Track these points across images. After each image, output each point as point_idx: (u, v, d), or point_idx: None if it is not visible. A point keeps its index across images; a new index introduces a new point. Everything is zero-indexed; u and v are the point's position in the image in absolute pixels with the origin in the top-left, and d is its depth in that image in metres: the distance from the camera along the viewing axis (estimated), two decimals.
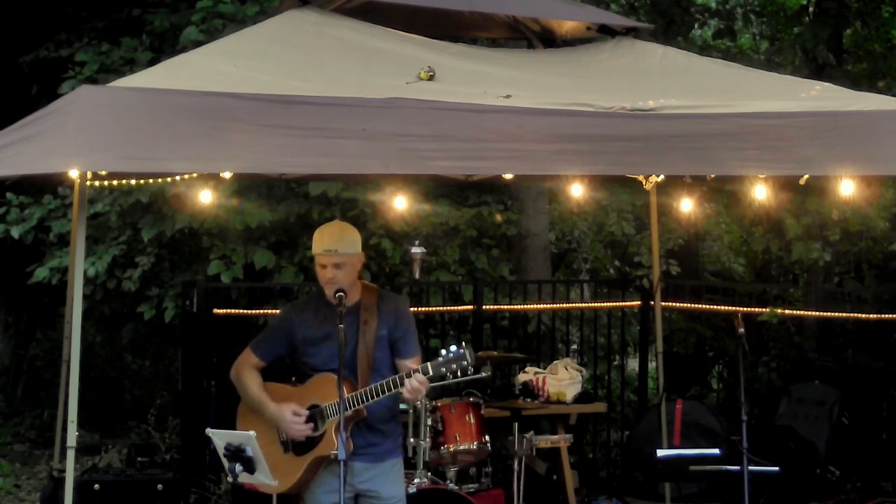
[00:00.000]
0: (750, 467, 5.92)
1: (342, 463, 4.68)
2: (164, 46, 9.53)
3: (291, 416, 5.02)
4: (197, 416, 7.79)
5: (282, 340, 5.21)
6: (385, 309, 5.11)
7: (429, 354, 8.59)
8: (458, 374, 4.91)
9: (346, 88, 4.60)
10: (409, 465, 6.31)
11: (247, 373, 5.19)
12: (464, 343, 4.90)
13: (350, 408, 4.87)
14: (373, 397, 4.89)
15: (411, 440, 6.38)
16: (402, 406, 5.49)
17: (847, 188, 5.06)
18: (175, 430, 9.40)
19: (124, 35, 9.73)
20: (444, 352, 4.85)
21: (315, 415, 5.02)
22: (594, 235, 11.35)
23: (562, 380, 7.86)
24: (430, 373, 4.84)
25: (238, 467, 4.68)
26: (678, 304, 9.74)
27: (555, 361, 8.26)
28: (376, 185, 8.52)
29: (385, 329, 5.09)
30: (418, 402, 6.17)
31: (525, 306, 9.29)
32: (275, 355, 5.26)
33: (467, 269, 9.61)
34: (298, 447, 5.06)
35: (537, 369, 8.12)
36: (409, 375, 4.84)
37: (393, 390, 4.87)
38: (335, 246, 5.01)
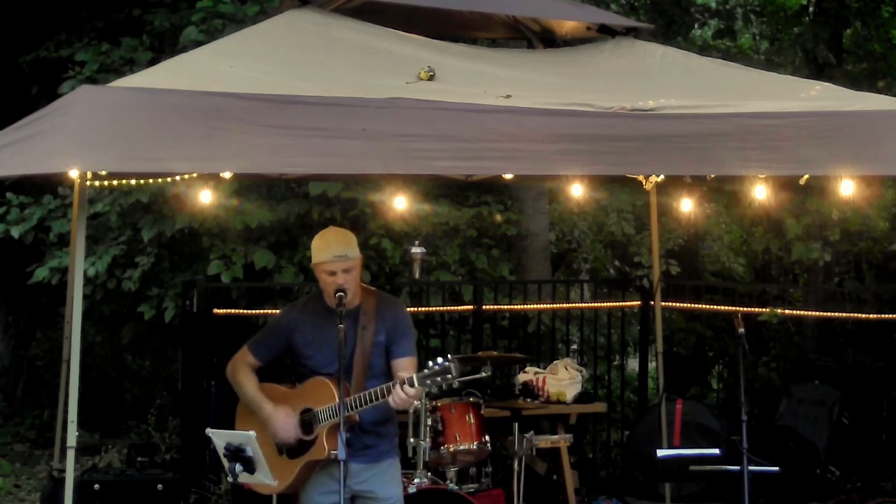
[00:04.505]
0: (750, 467, 5.91)
1: (342, 463, 4.69)
2: (164, 46, 9.53)
3: (284, 417, 5.03)
4: (197, 416, 7.79)
5: (279, 342, 5.20)
6: (384, 314, 5.11)
7: (428, 355, 8.60)
8: (444, 386, 4.93)
9: (346, 88, 4.60)
10: (409, 465, 6.31)
11: (243, 372, 5.19)
12: (449, 356, 4.88)
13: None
14: (364, 404, 4.90)
15: (411, 440, 6.38)
16: None
17: (847, 188, 5.07)
18: (175, 430, 9.40)
19: (124, 35, 9.72)
20: (430, 363, 4.84)
21: (308, 419, 5.03)
22: (594, 235, 11.35)
23: (562, 380, 7.86)
24: (416, 385, 4.82)
25: (238, 467, 4.68)
26: (678, 304, 9.74)
27: (555, 361, 8.26)
28: (376, 185, 8.51)
29: (383, 334, 5.08)
30: (416, 403, 6.15)
31: (525, 306, 9.29)
32: (272, 356, 5.25)
33: (467, 269, 9.61)
34: (291, 450, 5.07)
35: (537, 369, 8.12)
36: (396, 385, 4.83)
37: (383, 398, 4.87)
38: (345, 251, 4.98)
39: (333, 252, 4.97)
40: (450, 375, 4.80)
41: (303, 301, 5.61)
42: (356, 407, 4.90)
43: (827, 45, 11.01)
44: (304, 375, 5.13)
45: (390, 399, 4.82)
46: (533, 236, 10.11)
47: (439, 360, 4.83)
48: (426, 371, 4.82)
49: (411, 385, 4.81)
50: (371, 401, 4.88)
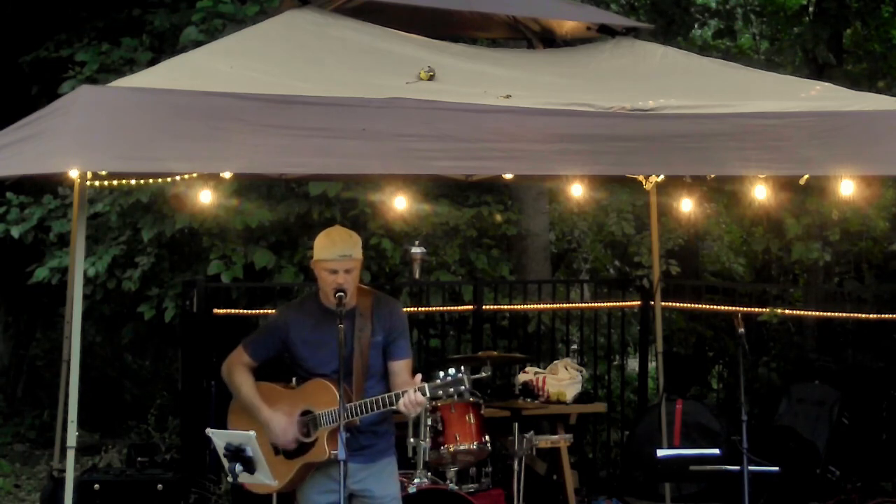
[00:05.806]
0: (750, 467, 5.91)
1: (342, 463, 4.69)
2: (164, 46, 9.53)
3: (284, 423, 5.04)
4: (197, 416, 7.78)
5: (275, 342, 5.19)
6: (380, 314, 5.10)
7: (428, 355, 8.56)
8: (455, 397, 4.93)
9: (346, 88, 4.60)
10: (409, 465, 6.31)
11: (239, 372, 5.18)
12: (462, 368, 4.90)
13: (345, 417, 4.86)
14: (369, 411, 4.90)
15: (411, 440, 6.39)
16: None
17: (847, 188, 5.07)
18: (175, 430, 9.40)
19: (124, 35, 9.72)
20: (442, 374, 4.86)
21: (307, 421, 5.03)
22: (594, 235, 11.35)
23: (562, 380, 7.86)
24: (427, 394, 4.84)
25: (238, 467, 4.68)
26: (678, 304, 9.74)
27: (555, 361, 8.26)
28: (376, 185, 8.52)
29: (380, 335, 5.08)
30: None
31: (525, 306, 9.29)
32: (267, 356, 5.24)
33: (467, 269, 9.61)
34: (289, 451, 5.07)
35: (537, 369, 8.11)
36: (410, 389, 4.85)
37: (389, 406, 4.88)
38: (350, 251, 4.97)
39: (339, 251, 4.96)
40: (463, 387, 4.84)
41: (298, 301, 5.60)
42: (360, 413, 4.90)
43: (827, 45, 11.01)
44: (301, 375, 5.13)
45: (400, 403, 4.83)
46: (533, 236, 10.11)
47: (451, 371, 4.85)
48: (438, 381, 4.84)
49: (423, 394, 4.83)
50: (376, 408, 4.89)
